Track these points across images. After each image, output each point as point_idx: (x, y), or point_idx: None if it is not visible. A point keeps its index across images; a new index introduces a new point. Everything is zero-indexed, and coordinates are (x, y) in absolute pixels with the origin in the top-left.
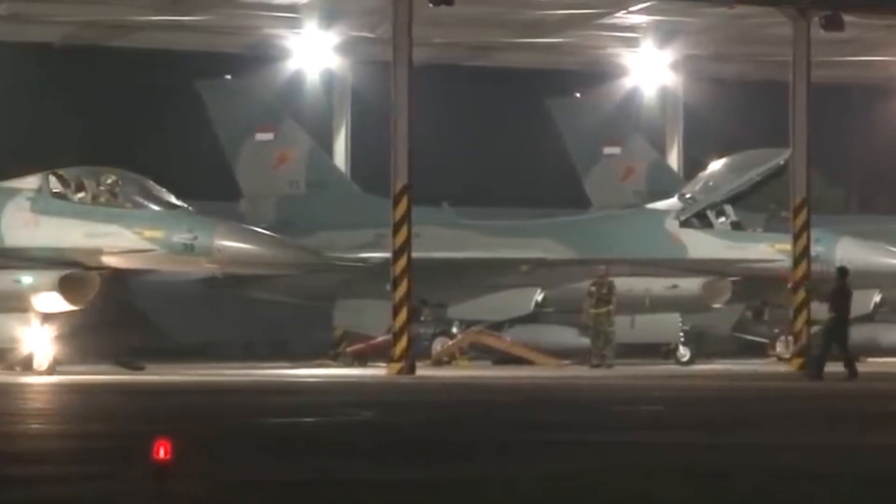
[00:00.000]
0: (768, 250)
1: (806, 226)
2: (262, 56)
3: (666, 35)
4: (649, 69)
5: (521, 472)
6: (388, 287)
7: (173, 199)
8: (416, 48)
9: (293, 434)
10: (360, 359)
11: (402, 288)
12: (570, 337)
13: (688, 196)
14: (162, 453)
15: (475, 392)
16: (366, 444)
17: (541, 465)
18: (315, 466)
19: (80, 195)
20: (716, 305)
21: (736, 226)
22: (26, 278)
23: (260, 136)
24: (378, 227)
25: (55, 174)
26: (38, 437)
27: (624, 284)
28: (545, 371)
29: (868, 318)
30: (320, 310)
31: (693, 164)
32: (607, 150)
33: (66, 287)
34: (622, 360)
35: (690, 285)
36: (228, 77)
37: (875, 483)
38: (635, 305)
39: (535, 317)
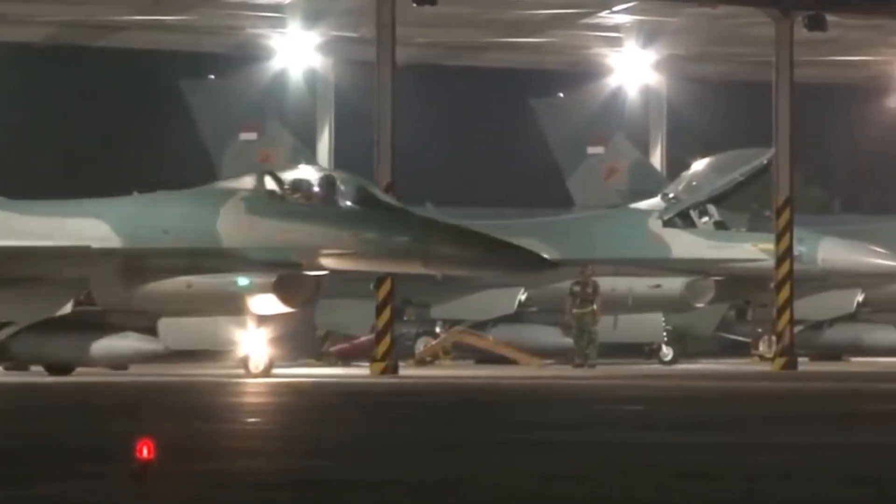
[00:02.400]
0: (751, 250)
1: (789, 225)
2: (245, 56)
3: (649, 35)
4: (633, 69)
5: (502, 472)
6: (372, 286)
7: (391, 200)
8: (399, 48)
9: (274, 434)
10: (344, 358)
11: (386, 287)
12: (553, 336)
13: (671, 196)
14: (145, 453)
15: (458, 392)
16: (348, 444)
17: (523, 465)
18: (297, 466)
19: (296, 195)
20: (699, 305)
21: (719, 225)
22: (242, 280)
23: (244, 136)
24: None
25: (271, 174)
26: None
27: (607, 284)
28: (528, 370)
29: (851, 318)
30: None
31: (676, 164)
32: (591, 150)
33: (282, 289)
34: (605, 359)
35: (673, 285)
36: (212, 77)
37: (856, 483)
38: (618, 305)
39: (519, 316)
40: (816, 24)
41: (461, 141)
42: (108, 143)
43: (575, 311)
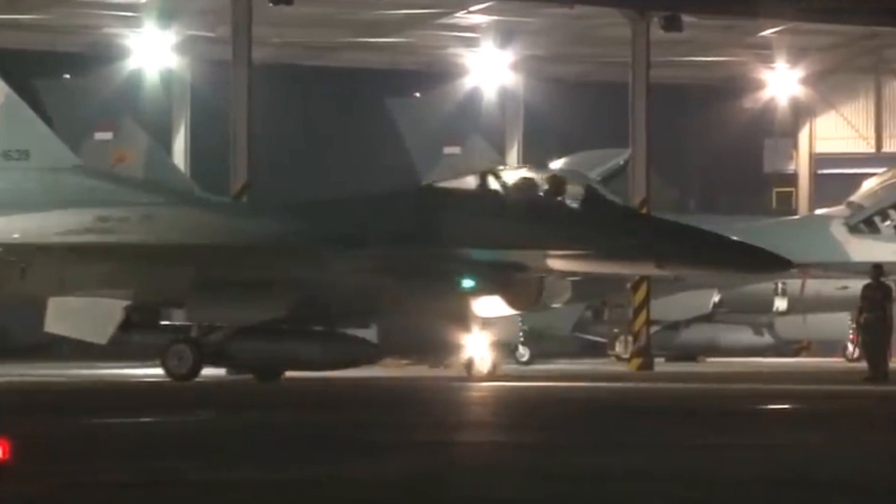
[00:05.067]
0: None
1: None
2: (101, 55)
3: (506, 35)
4: (489, 69)
5: (359, 473)
6: None
7: (619, 200)
8: (255, 47)
9: (131, 434)
10: None
11: None
12: None
13: None
14: (0, 453)
15: (314, 392)
16: (204, 444)
17: (381, 466)
18: (154, 467)
19: (521, 195)
20: (555, 305)
21: None
22: (466, 282)
23: (99, 136)
24: None
25: (494, 174)
26: None
27: None
28: (388, 370)
29: (707, 319)
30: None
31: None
32: (447, 150)
33: (507, 291)
34: None
35: None
36: (67, 76)
37: (708, 484)
38: None
39: None
40: (672, 24)
41: (318, 141)
42: None
43: None
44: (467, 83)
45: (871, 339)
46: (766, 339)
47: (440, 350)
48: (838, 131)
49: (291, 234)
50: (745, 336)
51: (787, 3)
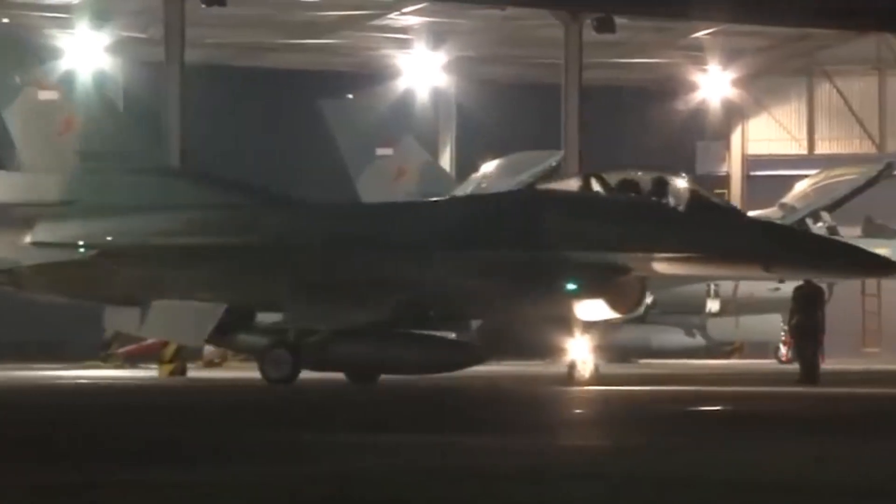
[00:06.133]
0: None
1: None
2: None
3: (438, 37)
4: (422, 70)
5: (302, 474)
6: None
7: (723, 202)
8: (188, 49)
9: (57, 436)
10: (131, 360)
11: None
12: None
13: None
14: None
15: (246, 393)
16: (131, 445)
17: (322, 467)
18: (79, 469)
19: (624, 198)
20: None
21: None
22: (570, 284)
23: None
24: None
25: (597, 177)
26: None
27: None
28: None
29: (640, 320)
30: (95, 310)
31: (466, 166)
32: (380, 152)
33: (610, 293)
34: None
35: None
36: None
37: (658, 483)
38: None
39: None
40: (605, 26)
41: (251, 142)
42: None
43: None
44: (400, 84)
45: (803, 341)
46: (699, 340)
47: (541, 353)
48: (770, 133)
49: (391, 236)
50: (677, 337)
51: (717, 4)
